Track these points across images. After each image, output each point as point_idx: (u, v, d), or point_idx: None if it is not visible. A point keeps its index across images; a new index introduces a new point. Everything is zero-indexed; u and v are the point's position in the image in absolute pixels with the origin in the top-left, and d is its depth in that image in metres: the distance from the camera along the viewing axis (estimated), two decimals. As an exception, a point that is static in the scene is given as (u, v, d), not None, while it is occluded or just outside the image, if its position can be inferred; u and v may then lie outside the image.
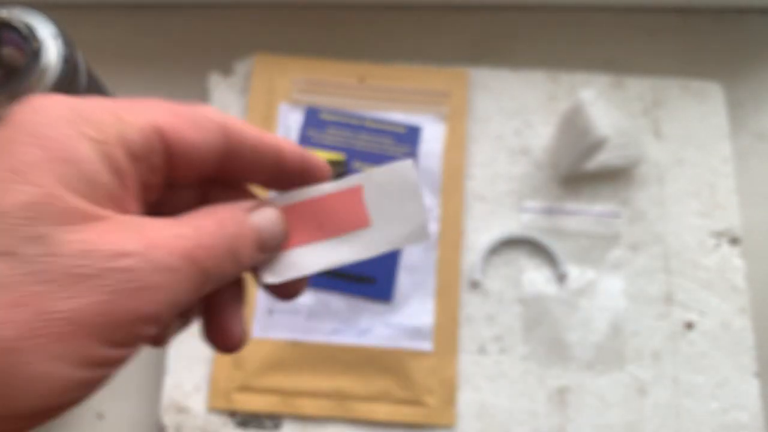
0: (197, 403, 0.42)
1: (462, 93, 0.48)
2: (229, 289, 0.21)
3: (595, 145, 0.42)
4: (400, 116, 0.47)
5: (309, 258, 0.22)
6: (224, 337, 0.21)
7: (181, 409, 0.42)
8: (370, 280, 0.43)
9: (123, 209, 0.17)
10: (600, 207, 0.46)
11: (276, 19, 0.51)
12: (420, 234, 0.22)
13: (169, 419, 0.41)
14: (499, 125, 0.48)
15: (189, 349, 0.43)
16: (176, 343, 0.43)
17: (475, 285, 0.44)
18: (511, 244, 0.45)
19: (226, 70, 0.49)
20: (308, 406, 0.42)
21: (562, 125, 0.45)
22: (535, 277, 0.44)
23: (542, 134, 0.48)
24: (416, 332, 0.43)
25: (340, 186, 0.23)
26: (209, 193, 0.22)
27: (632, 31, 0.51)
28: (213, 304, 0.21)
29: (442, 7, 0.52)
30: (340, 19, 0.52)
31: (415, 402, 0.42)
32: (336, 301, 0.43)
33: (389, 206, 0.22)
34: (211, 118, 0.19)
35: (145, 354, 0.43)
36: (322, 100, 0.47)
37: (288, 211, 0.22)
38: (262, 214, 0.20)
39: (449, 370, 0.42)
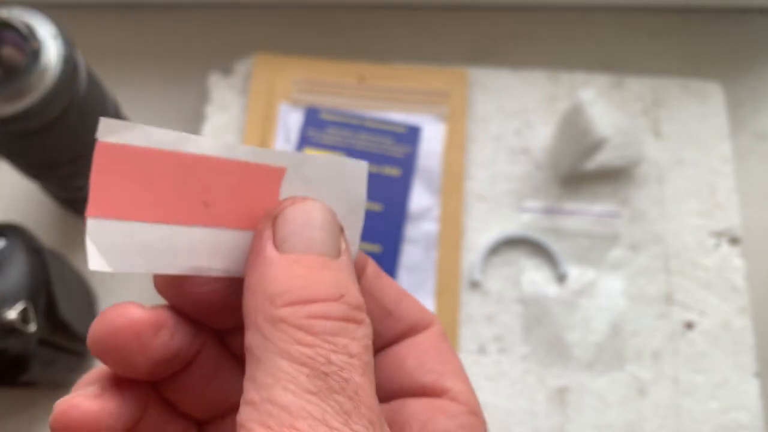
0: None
1: (462, 93, 0.48)
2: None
3: (595, 145, 0.42)
4: (399, 116, 0.47)
5: (170, 246, 0.15)
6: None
7: None
8: (369, 280, 0.43)
9: None
10: (600, 207, 0.46)
11: (276, 19, 0.51)
12: None
13: None
14: (499, 125, 0.48)
15: None
16: None
17: (474, 285, 0.44)
18: (510, 244, 0.45)
19: (226, 70, 0.49)
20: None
21: (562, 125, 0.45)
22: (535, 277, 0.44)
23: (542, 134, 0.48)
24: (416, 332, 0.43)
25: (254, 154, 0.15)
26: None
27: (632, 31, 0.51)
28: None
29: (442, 7, 0.52)
30: (340, 19, 0.52)
31: (414, 402, 0.42)
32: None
33: None
34: None
35: None
36: (322, 100, 0.47)
37: (160, 158, 0.14)
38: None
39: (449, 369, 0.42)
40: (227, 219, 0.15)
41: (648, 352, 0.43)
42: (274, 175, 0.15)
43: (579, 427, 0.41)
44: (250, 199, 0.15)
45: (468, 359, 0.43)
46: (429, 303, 0.44)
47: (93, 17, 0.50)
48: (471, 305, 0.44)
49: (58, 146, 0.35)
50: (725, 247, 0.45)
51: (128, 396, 0.16)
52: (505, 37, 0.51)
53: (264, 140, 0.46)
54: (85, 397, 0.16)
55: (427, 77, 0.48)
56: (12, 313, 0.32)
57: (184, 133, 0.15)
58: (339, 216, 0.16)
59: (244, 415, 0.14)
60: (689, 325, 0.44)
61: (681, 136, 0.48)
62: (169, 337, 0.16)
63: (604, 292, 0.44)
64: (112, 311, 0.16)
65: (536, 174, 0.47)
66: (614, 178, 0.46)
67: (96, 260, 0.14)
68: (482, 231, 0.45)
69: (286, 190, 0.16)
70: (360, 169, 0.16)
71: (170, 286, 0.17)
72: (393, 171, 0.45)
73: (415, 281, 0.44)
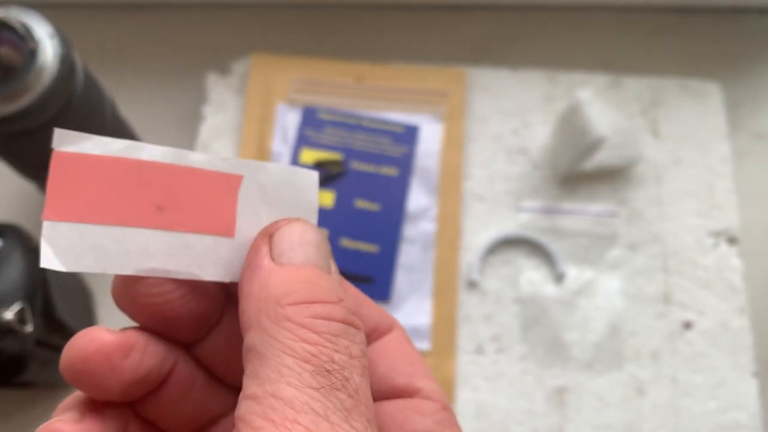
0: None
1: (460, 93, 0.48)
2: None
3: (593, 145, 0.42)
4: (397, 116, 0.47)
5: (123, 247, 0.15)
6: None
7: None
8: (368, 280, 0.43)
9: None
10: (598, 206, 0.46)
11: (274, 19, 0.51)
12: None
13: None
14: (497, 125, 0.48)
15: None
16: None
17: (473, 285, 0.44)
18: (508, 243, 0.45)
19: (224, 69, 0.49)
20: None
21: (560, 125, 0.45)
22: (533, 276, 0.44)
23: (540, 134, 0.48)
24: (414, 332, 0.43)
25: (211, 162, 0.16)
26: None
27: (630, 31, 0.51)
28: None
29: (440, 7, 0.52)
30: (338, 19, 0.52)
31: (413, 402, 0.42)
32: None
33: (269, 220, 0.17)
34: None
35: None
36: (320, 100, 0.47)
37: (113, 165, 0.15)
38: None
39: (447, 369, 0.42)
40: (183, 223, 0.16)
41: (646, 351, 0.43)
42: (233, 182, 0.16)
43: (577, 426, 0.41)
44: (207, 204, 0.16)
45: (466, 359, 0.43)
46: (427, 303, 0.44)
47: (90, 17, 0.50)
48: (469, 305, 0.44)
49: (55, 146, 0.35)
50: (723, 247, 0.45)
51: (108, 418, 0.17)
52: (504, 37, 0.51)
53: (261, 140, 0.46)
54: (66, 422, 0.16)
55: (425, 77, 0.48)
56: (9, 314, 0.32)
57: (136, 142, 0.16)
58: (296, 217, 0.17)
59: (245, 409, 0.14)
60: (688, 325, 0.44)
61: (679, 135, 0.48)
62: (140, 358, 0.16)
63: (602, 291, 0.44)
64: (82, 337, 0.16)
65: (534, 174, 0.47)
66: (612, 177, 0.46)
67: (48, 259, 0.15)
68: (480, 231, 0.45)
69: (242, 196, 0.16)
70: (311, 177, 0.17)
71: (124, 290, 0.17)
72: (391, 171, 0.45)
73: (413, 281, 0.44)
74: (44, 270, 0.35)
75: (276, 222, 0.17)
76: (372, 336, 0.20)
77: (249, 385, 0.15)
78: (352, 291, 0.19)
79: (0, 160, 0.37)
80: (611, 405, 0.42)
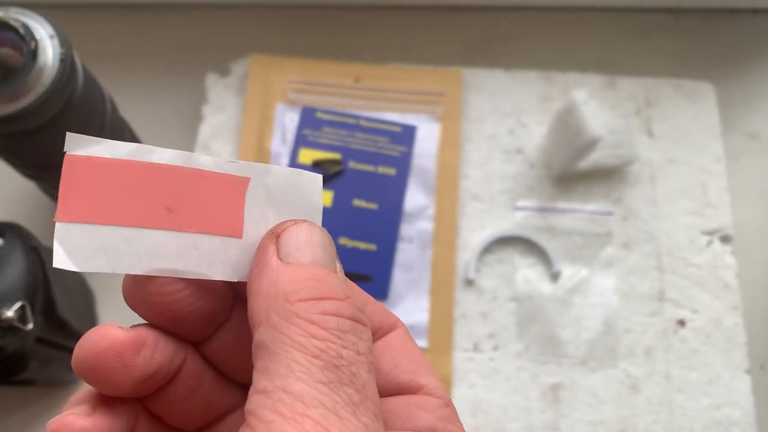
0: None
1: (456, 93, 0.48)
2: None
3: (588, 145, 0.43)
4: (395, 116, 0.48)
5: (133, 248, 0.16)
6: None
7: None
8: (366, 278, 0.44)
9: None
10: (593, 206, 0.46)
11: (272, 20, 0.52)
12: None
13: None
14: (493, 125, 0.48)
15: None
16: None
17: (469, 283, 0.45)
18: (505, 242, 0.46)
19: (223, 70, 0.49)
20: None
21: (556, 125, 0.45)
22: (529, 275, 0.45)
23: (536, 134, 0.48)
24: (412, 329, 0.43)
25: (219, 164, 0.16)
26: None
27: (625, 31, 0.52)
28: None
29: (437, 8, 0.52)
30: (336, 19, 0.52)
31: (410, 399, 0.42)
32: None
33: (275, 221, 0.17)
34: None
35: None
36: (319, 100, 0.48)
37: (123, 168, 0.16)
38: None
39: (444, 367, 0.43)
40: (192, 224, 0.16)
41: (641, 349, 0.43)
42: (240, 184, 0.17)
43: (572, 423, 0.42)
44: (215, 206, 0.16)
45: (463, 356, 0.43)
46: (424, 301, 0.44)
47: (90, 17, 0.51)
48: (466, 303, 0.44)
49: (55, 146, 0.35)
50: (717, 245, 0.46)
51: (118, 413, 0.17)
52: (499, 38, 0.52)
53: (261, 140, 0.47)
54: (77, 415, 0.16)
55: (422, 77, 0.49)
56: (9, 312, 0.32)
57: (146, 145, 0.16)
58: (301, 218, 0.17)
59: (255, 403, 0.15)
60: (681, 323, 0.44)
61: (673, 135, 0.48)
62: (151, 355, 0.17)
63: (597, 289, 0.45)
64: (94, 334, 0.16)
65: (530, 173, 0.47)
66: (607, 177, 0.47)
67: (61, 259, 0.15)
68: (477, 230, 0.46)
69: (249, 198, 0.17)
70: (316, 179, 0.18)
71: (134, 290, 0.17)
72: (388, 170, 0.46)
73: (411, 280, 0.44)
74: (45, 269, 0.36)
75: (283, 223, 0.17)
76: (376, 334, 0.20)
77: (259, 380, 0.15)
78: (356, 290, 0.20)
79: (0, 160, 0.37)
80: (605, 402, 0.42)
